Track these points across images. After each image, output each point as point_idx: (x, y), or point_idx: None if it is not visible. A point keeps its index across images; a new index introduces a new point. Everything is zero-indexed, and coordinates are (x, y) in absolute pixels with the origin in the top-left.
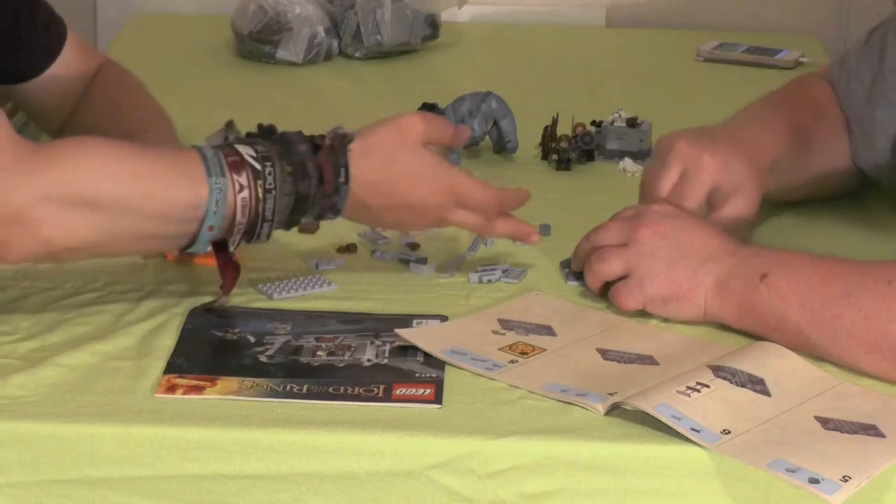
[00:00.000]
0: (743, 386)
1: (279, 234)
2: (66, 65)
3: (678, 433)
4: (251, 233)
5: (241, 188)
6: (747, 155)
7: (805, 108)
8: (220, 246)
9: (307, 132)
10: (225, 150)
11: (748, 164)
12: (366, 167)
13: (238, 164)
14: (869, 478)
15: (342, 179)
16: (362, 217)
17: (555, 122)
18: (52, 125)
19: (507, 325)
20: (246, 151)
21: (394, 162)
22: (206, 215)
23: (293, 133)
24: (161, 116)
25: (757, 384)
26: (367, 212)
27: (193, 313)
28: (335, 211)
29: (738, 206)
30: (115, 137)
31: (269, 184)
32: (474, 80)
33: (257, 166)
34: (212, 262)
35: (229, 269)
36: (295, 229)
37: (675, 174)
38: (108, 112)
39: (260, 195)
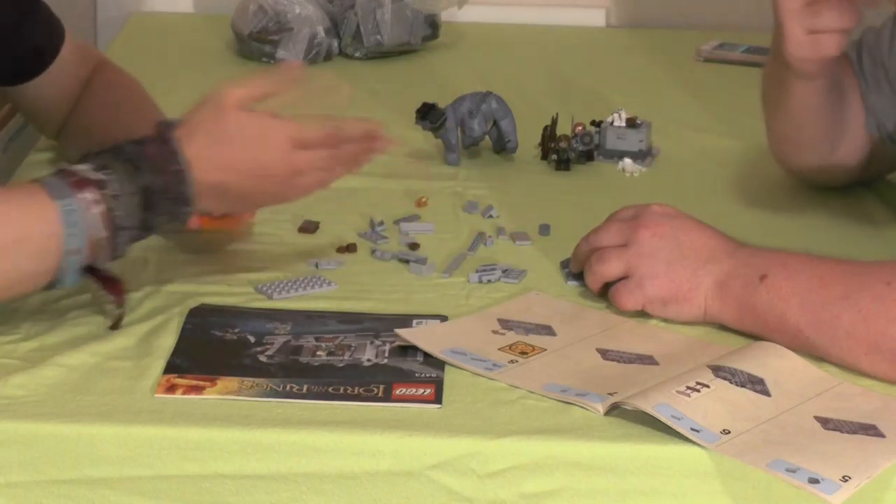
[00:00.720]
0: (743, 386)
1: (279, 235)
2: (65, 65)
3: (678, 433)
4: (113, 248)
5: (92, 203)
6: None
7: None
8: (90, 270)
9: None
10: (64, 173)
11: None
12: (198, 148)
13: (81, 182)
14: (869, 478)
15: (178, 166)
16: (226, 202)
17: (554, 122)
18: (50, 127)
19: (506, 325)
20: (83, 168)
21: (221, 133)
22: (64, 242)
23: (121, 141)
24: (158, 116)
25: (757, 384)
26: (225, 194)
27: (193, 313)
28: (186, 201)
29: None
30: (112, 136)
31: (115, 189)
32: (474, 80)
33: (100, 176)
34: (226, 225)
35: (110, 283)
36: (295, 229)
37: None
38: (105, 112)
39: (111, 204)
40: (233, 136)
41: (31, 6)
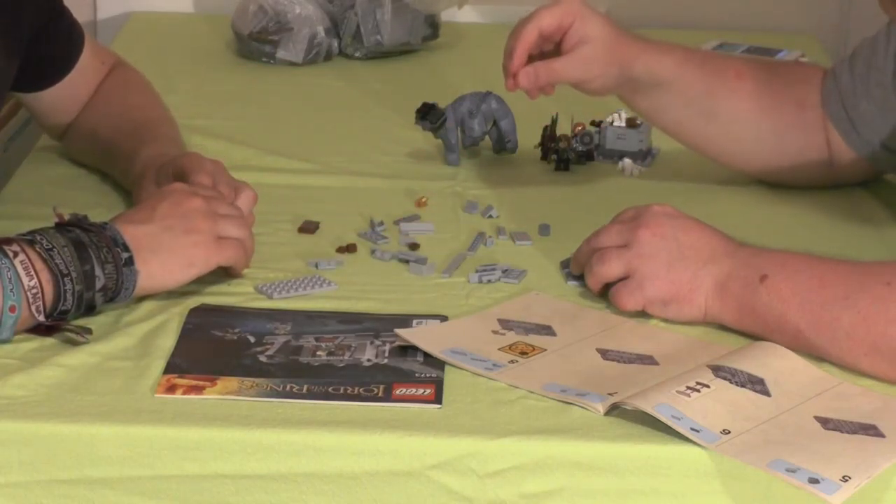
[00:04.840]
0: (743, 386)
1: (279, 235)
2: (83, 71)
3: (678, 433)
4: (61, 299)
5: (16, 254)
6: (622, 38)
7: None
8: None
9: (306, 132)
10: None
11: (612, 37)
12: (123, 214)
13: (6, 241)
14: (869, 478)
15: (102, 222)
16: (162, 254)
17: (554, 122)
18: (57, 129)
19: (507, 325)
20: (12, 237)
21: (144, 199)
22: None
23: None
24: (164, 116)
25: (757, 384)
26: (158, 246)
27: (193, 313)
28: (120, 245)
29: (576, 57)
30: (118, 135)
31: (47, 245)
32: (474, 80)
33: (26, 237)
34: None
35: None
36: (295, 229)
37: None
38: (111, 112)
39: (43, 255)
40: (153, 195)
41: (56, 14)
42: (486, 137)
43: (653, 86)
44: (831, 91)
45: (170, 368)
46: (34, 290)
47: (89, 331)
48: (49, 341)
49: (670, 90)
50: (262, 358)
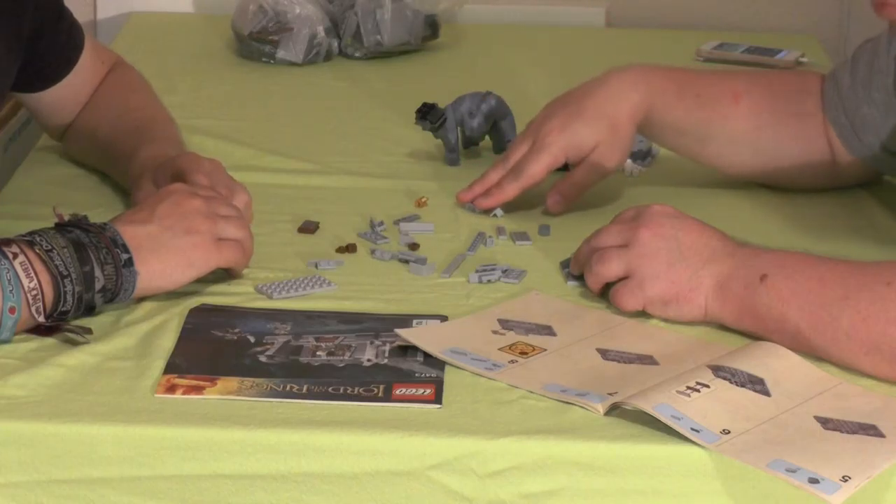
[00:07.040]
0: (743, 386)
1: (279, 235)
2: (83, 71)
3: (678, 433)
4: (61, 300)
5: (16, 255)
6: (607, 119)
7: (778, 95)
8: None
9: (307, 132)
10: None
11: (599, 128)
12: (122, 216)
13: (5, 242)
14: (869, 478)
15: (102, 223)
16: (163, 255)
17: None
18: (58, 129)
19: (507, 325)
20: (12, 238)
21: (143, 201)
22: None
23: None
24: (164, 116)
25: (757, 384)
26: (159, 247)
27: (193, 313)
28: (120, 246)
29: (592, 165)
30: (118, 136)
31: (46, 245)
32: (474, 80)
33: (25, 238)
34: None
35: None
36: (295, 229)
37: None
38: (111, 113)
39: (43, 256)
40: (152, 196)
41: (55, 14)
42: (486, 137)
43: (647, 127)
44: (832, 96)
45: (170, 368)
46: (34, 292)
47: (89, 331)
48: (49, 341)
49: (664, 130)
50: (262, 358)
